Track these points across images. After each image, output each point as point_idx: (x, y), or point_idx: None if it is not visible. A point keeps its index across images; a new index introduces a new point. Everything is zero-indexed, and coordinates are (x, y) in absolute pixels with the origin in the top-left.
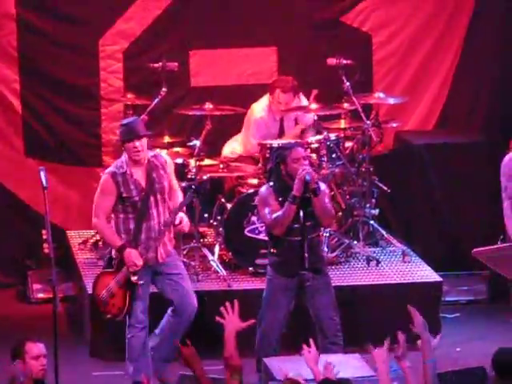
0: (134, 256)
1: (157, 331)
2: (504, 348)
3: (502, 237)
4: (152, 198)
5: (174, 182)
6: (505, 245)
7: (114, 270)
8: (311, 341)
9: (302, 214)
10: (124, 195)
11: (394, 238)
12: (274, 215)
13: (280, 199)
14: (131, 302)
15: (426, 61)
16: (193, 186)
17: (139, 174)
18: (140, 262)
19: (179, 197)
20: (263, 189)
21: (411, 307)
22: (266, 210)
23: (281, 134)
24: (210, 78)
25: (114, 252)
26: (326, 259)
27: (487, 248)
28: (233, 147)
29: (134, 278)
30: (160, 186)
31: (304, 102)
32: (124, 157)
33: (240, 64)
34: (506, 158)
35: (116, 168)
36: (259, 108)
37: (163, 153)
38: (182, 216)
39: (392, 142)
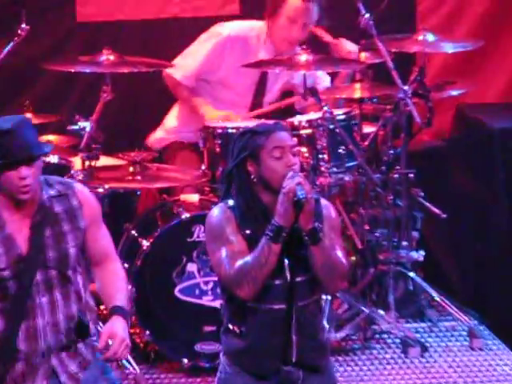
0: None
1: None
2: None
3: None
4: (39, 277)
5: (102, 240)
6: None
7: None
8: None
9: (286, 261)
10: None
11: (452, 305)
12: (239, 263)
13: (247, 232)
14: None
15: None
16: None
17: (18, 228)
18: None
19: (116, 270)
20: (216, 212)
21: None
22: (223, 253)
23: (260, 91)
24: (110, 8)
25: None
26: (329, 343)
27: None
28: (166, 129)
29: None
30: (57, 256)
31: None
32: None
33: None
34: None
35: None
36: (241, 26)
37: (77, 184)
38: (112, 331)
39: (450, 124)
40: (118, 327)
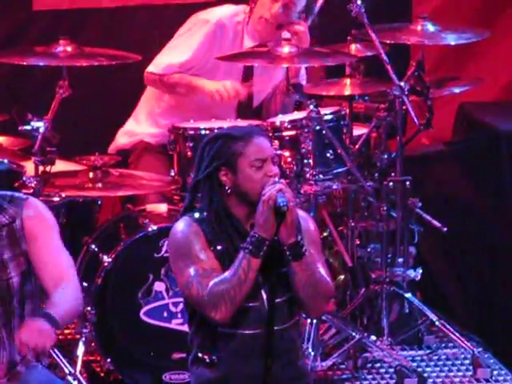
0: None
1: None
2: None
3: None
4: None
5: (50, 257)
6: None
7: None
8: None
9: (260, 279)
10: None
11: (454, 330)
12: (214, 282)
13: (219, 247)
14: None
15: None
16: None
17: None
18: None
19: (65, 289)
20: (181, 226)
21: None
22: (192, 272)
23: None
24: None
25: None
26: (313, 373)
27: None
28: (131, 128)
29: None
30: None
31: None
32: None
33: None
34: None
35: None
36: (227, 11)
37: (30, 201)
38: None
39: (452, 126)
40: (27, 324)
